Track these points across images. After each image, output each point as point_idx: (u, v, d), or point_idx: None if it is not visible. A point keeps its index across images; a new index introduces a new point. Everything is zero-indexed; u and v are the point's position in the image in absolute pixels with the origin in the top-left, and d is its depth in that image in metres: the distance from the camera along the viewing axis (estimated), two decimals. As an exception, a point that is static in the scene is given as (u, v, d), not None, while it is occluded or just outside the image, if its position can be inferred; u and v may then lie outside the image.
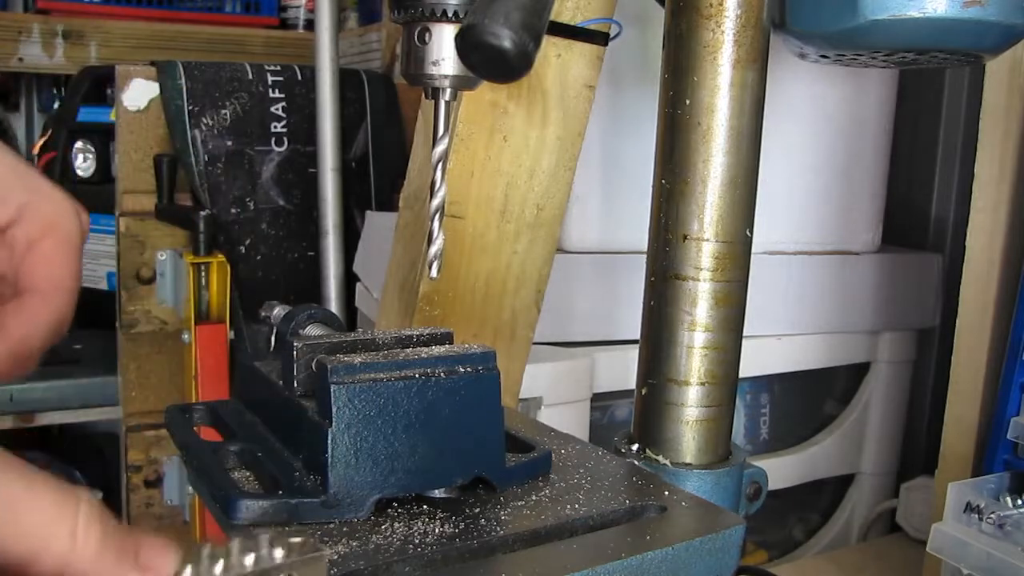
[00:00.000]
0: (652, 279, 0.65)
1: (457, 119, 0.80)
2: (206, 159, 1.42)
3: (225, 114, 1.43)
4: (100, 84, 1.63)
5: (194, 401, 1.13)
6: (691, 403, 0.64)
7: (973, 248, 1.05)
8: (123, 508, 1.45)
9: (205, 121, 1.42)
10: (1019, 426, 0.95)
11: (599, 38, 0.80)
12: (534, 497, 0.52)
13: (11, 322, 0.41)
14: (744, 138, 0.62)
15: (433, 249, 0.57)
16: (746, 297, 0.65)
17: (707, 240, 0.62)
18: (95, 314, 1.53)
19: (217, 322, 1.29)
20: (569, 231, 1.11)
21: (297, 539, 0.35)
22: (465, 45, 0.46)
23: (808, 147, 1.23)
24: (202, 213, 1.32)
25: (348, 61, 1.83)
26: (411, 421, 0.49)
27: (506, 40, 0.44)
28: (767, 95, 0.63)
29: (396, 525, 0.48)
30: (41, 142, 1.67)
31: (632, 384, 0.68)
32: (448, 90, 0.55)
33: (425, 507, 0.50)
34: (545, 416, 1.02)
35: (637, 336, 0.67)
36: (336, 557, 0.44)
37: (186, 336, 1.30)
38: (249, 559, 0.33)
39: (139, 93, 1.40)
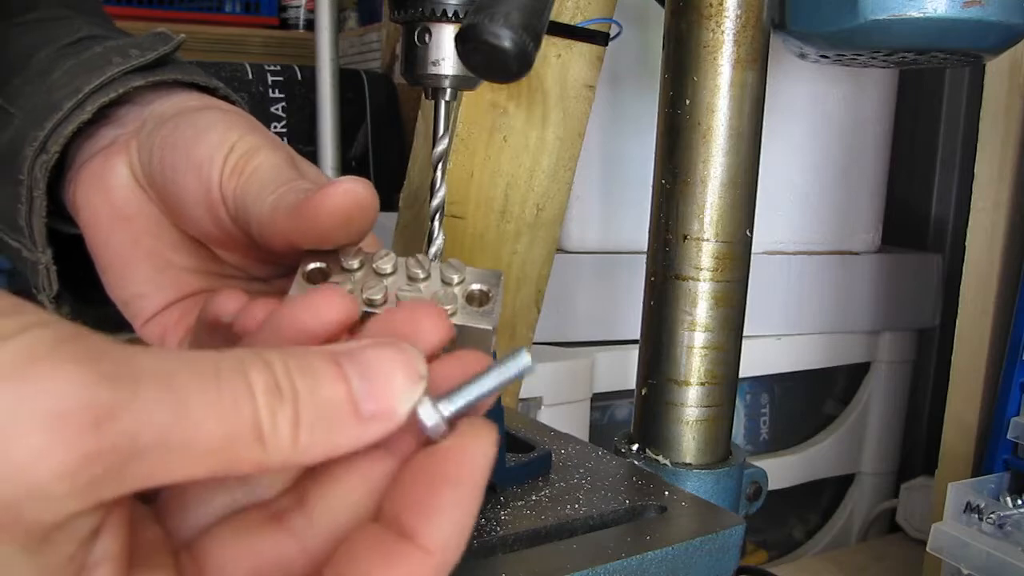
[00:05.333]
0: (652, 279, 0.65)
1: (457, 119, 0.80)
2: (206, 159, 1.42)
3: (225, 114, 1.43)
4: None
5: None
6: (691, 403, 0.64)
7: (973, 248, 1.05)
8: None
9: (205, 121, 1.41)
10: (1019, 426, 0.95)
11: (599, 38, 0.80)
12: (534, 497, 0.52)
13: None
14: (744, 138, 0.62)
15: (433, 249, 0.57)
16: (746, 297, 0.65)
17: (707, 240, 0.62)
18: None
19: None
20: (569, 231, 1.11)
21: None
22: (465, 45, 0.46)
23: (808, 147, 1.23)
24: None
25: (348, 61, 1.83)
26: (411, 421, 0.49)
27: (506, 40, 0.44)
28: (767, 95, 0.63)
29: (396, 525, 0.48)
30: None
31: (632, 384, 0.68)
32: (448, 90, 0.55)
33: (425, 507, 0.50)
34: (545, 416, 1.02)
35: (637, 336, 0.67)
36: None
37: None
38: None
39: (139, 93, 1.40)
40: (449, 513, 0.24)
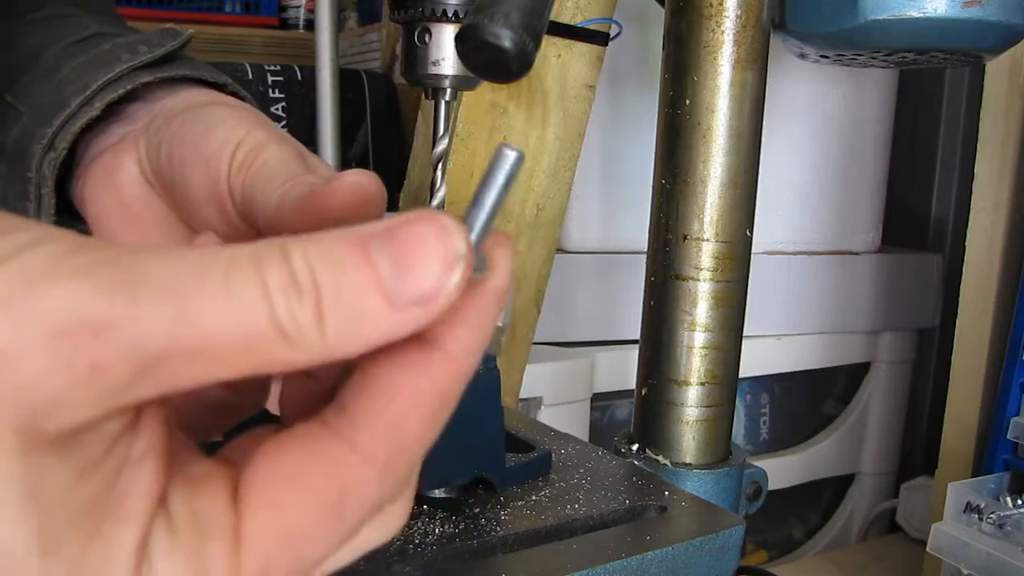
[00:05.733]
0: (652, 279, 0.65)
1: (457, 119, 0.80)
2: (206, 159, 1.42)
3: (225, 114, 1.43)
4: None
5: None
6: (691, 403, 0.64)
7: (973, 248, 1.05)
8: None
9: (205, 121, 1.41)
10: (1019, 426, 0.95)
11: (599, 38, 0.80)
12: (534, 497, 0.52)
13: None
14: (744, 138, 0.62)
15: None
16: (746, 297, 0.65)
17: (707, 240, 0.62)
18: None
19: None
20: (569, 231, 1.11)
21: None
22: (465, 45, 0.46)
23: (808, 147, 1.23)
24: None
25: (348, 61, 1.83)
26: (411, 421, 0.49)
27: (506, 40, 0.44)
28: (767, 95, 0.63)
29: (396, 525, 0.48)
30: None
31: (632, 384, 0.68)
32: (448, 90, 0.55)
33: (425, 507, 0.50)
34: (545, 416, 1.02)
35: (637, 336, 0.67)
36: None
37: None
38: None
39: (139, 93, 1.40)
40: (472, 321, 0.23)
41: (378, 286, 0.21)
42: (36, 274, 0.20)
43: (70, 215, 0.43)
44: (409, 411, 0.23)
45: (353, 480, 0.23)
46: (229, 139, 0.36)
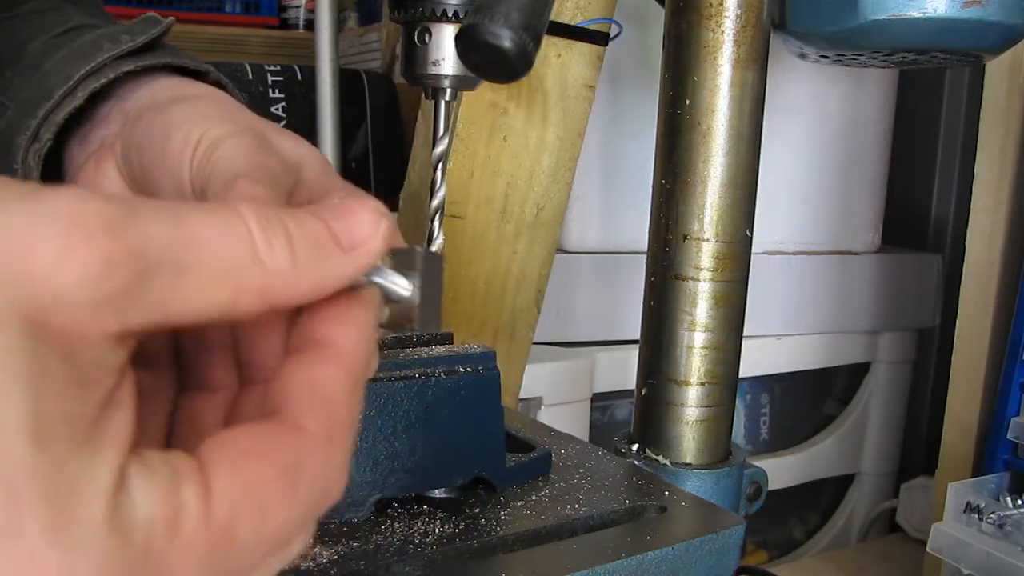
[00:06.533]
0: (652, 279, 0.65)
1: (457, 119, 0.80)
2: (206, 159, 1.42)
3: (225, 114, 1.43)
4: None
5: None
6: (691, 403, 0.64)
7: (973, 248, 1.05)
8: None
9: (205, 121, 1.41)
10: (1019, 426, 0.95)
11: (599, 38, 0.80)
12: (534, 497, 0.52)
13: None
14: (744, 138, 0.62)
15: (433, 249, 0.57)
16: (746, 297, 0.65)
17: (707, 240, 0.62)
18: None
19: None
20: (569, 231, 1.11)
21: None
22: (465, 45, 0.46)
23: (808, 147, 1.23)
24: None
25: (348, 61, 1.83)
26: (411, 421, 0.49)
27: (506, 40, 0.44)
28: (767, 95, 0.63)
29: (396, 525, 0.48)
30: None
31: (632, 384, 0.68)
32: (448, 90, 0.55)
33: (425, 507, 0.50)
34: (545, 416, 1.02)
35: (637, 336, 0.67)
36: (336, 557, 0.44)
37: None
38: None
39: (139, 93, 1.40)
40: (356, 320, 0.27)
41: (329, 231, 0.26)
42: (50, 187, 0.21)
43: None
44: (332, 389, 0.26)
45: (303, 450, 0.25)
46: (188, 140, 0.36)
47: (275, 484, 0.25)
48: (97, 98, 0.42)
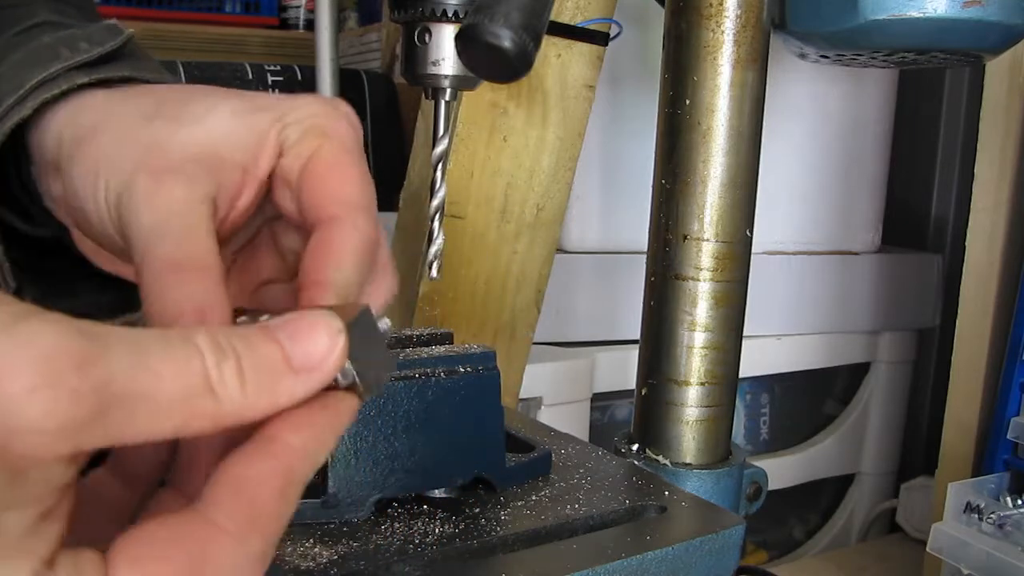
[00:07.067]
0: (652, 279, 0.65)
1: (457, 119, 0.80)
2: (206, 159, 1.42)
3: (225, 114, 1.43)
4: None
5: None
6: (691, 403, 0.64)
7: (973, 248, 1.05)
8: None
9: (205, 121, 1.41)
10: (1019, 426, 0.95)
11: (599, 38, 0.80)
12: (534, 497, 0.52)
13: (312, 265, 0.33)
14: (744, 138, 0.62)
15: (433, 249, 0.57)
16: (746, 297, 0.65)
17: (707, 240, 0.62)
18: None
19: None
20: (569, 231, 1.11)
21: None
22: (465, 45, 0.46)
23: (808, 147, 1.23)
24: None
25: (348, 61, 1.83)
26: (411, 421, 0.49)
27: (506, 40, 0.44)
28: (767, 95, 0.63)
29: (396, 525, 0.48)
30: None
31: (632, 384, 0.68)
32: (448, 90, 0.55)
33: (425, 507, 0.50)
34: (545, 416, 1.02)
35: (637, 336, 0.67)
36: (336, 557, 0.44)
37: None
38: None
39: (139, 93, 1.40)
40: (309, 421, 0.28)
41: (282, 354, 0.27)
42: (22, 315, 0.22)
43: (19, 213, 0.43)
44: (261, 487, 0.27)
45: (211, 545, 0.26)
46: (96, 197, 0.36)
47: None
48: (47, 104, 0.41)
